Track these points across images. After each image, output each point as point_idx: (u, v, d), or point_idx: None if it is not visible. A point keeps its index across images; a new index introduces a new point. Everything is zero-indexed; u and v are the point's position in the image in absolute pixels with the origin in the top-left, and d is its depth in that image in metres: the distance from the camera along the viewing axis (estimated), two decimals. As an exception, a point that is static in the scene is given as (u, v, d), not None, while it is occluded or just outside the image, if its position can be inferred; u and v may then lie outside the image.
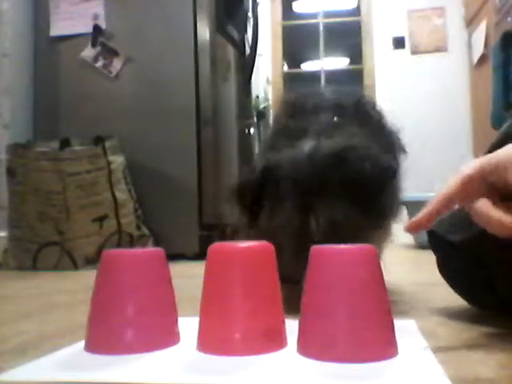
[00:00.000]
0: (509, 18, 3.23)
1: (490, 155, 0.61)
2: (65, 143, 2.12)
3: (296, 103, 1.03)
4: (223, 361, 0.58)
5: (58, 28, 2.47)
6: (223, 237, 2.10)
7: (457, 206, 0.65)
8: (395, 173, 0.85)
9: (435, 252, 0.85)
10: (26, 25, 2.48)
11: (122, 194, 2.14)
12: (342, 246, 0.59)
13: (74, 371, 0.57)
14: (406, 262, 1.85)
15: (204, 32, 2.40)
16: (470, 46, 4.25)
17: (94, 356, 0.61)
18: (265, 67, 4.67)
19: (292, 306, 0.65)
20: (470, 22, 4.21)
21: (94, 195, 2.06)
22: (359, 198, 0.78)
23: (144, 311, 0.63)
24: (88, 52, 2.43)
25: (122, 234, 2.10)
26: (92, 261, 1.97)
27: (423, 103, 4.31)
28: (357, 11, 4.98)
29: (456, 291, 0.86)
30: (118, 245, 2.05)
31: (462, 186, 0.61)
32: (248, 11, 2.91)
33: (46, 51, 2.49)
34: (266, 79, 4.72)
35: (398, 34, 4.61)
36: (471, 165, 0.62)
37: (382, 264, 0.61)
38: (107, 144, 2.12)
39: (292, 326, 0.62)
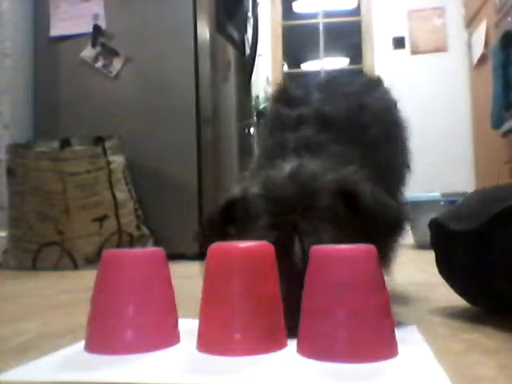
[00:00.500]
0: (509, 18, 3.23)
1: None
2: (65, 143, 2.12)
3: (280, 112, 0.93)
4: (223, 361, 0.58)
5: (58, 28, 2.47)
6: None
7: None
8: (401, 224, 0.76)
9: (434, 243, 0.85)
10: (26, 25, 2.49)
11: (121, 194, 2.13)
12: (342, 246, 0.59)
13: (73, 371, 0.57)
14: (406, 262, 1.85)
15: (204, 32, 2.40)
16: (469, 46, 4.24)
17: (94, 356, 0.61)
18: (265, 67, 4.67)
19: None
20: (470, 22, 4.21)
21: (93, 195, 2.06)
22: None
23: (144, 311, 0.63)
24: (88, 52, 2.43)
25: (122, 233, 2.10)
26: (92, 261, 1.97)
27: (423, 103, 4.31)
28: (357, 11, 4.97)
29: (456, 291, 0.86)
30: (118, 245, 2.05)
31: None
32: (248, 11, 2.91)
33: (46, 51, 2.50)
34: (266, 79, 4.71)
35: (398, 34, 4.60)
36: None
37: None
38: (107, 144, 2.12)
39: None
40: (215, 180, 2.37)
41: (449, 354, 0.60)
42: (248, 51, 2.88)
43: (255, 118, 3.40)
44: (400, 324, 0.61)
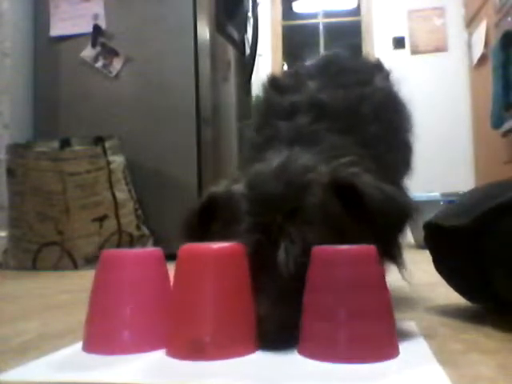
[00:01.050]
0: (509, 18, 3.23)
1: None
2: (65, 143, 2.12)
3: (272, 100, 0.86)
4: (216, 363, 0.58)
5: (58, 28, 2.47)
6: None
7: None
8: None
9: (429, 243, 0.85)
10: (26, 25, 2.48)
11: (121, 194, 2.13)
12: (343, 247, 0.59)
13: (72, 372, 0.57)
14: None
15: (204, 32, 2.40)
16: (469, 46, 4.24)
17: (92, 356, 0.61)
18: (265, 67, 4.68)
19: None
20: (470, 22, 4.21)
21: (93, 195, 2.06)
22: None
23: (142, 311, 0.63)
24: (88, 52, 2.43)
25: (121, 233, 2.10)
26: (92, 261, 1.97)
27: (423, 103, 4.31)
28: (357, 11, 4.97)
29: (455, 289, 0.86)
30: (118, 245, 2.05)
31: None
32: (248, 11, 2.91)
33: (46, 51, 2.50)
34: (266, 79, 4.73)
35: (398, 34, 4.60)
36: None
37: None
38: (107, 144, 2.12)
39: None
40: (215, 180, 2.36)
41: (449, 353, 0.60)
42: (248, 51, 2.88)
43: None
44: (400, 324, 0.61)
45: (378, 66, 0.96)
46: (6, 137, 2.32)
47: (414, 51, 4.59)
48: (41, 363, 0.60)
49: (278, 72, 0.94)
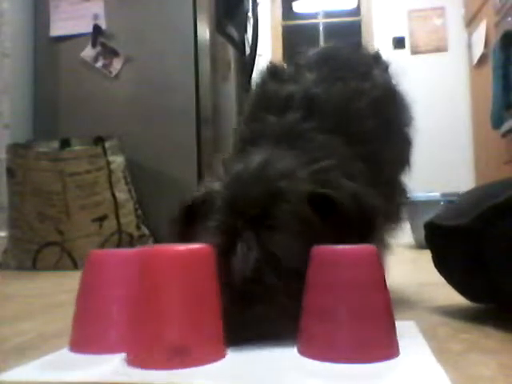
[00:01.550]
0: (509, 18, 3.23)
1: None
2: (65, 143, 2.12)
3: (268, 88, 0.83)
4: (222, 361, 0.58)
5: (58, 28, 2.47)
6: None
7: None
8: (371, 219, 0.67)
9: (430, 243, 0.85)
10: (26, 25, 2.48)
11: (122, 194, 2.13)
12: (344, 246, 0.59)
13: (59, 371, 0.57)
14: (406, 262, 1.85)
15: (204, 32, 2.40)
16: (469, 46, 4.24)
17: (83, 356, 0.61)
18: (265, 67, 4.68)
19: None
20: (470, 22, 4.21)
21: (93, 195, 2.06)
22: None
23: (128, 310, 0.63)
24: (88, 52, 2.43)
25: (121, 233, 2.10)
26: (92, 261, 1.97)
27: (423, 103, 4.31)
28: (357, 11, 4.97)
29: (456, 289, 0.86)
30: (118, 245, 2.05)
31: None
32: (248, 11, 2.91)
33: (46, 51, 2.49)
34: (266, 79, 4.73)
35: (398, 34, 4.61)
36: None
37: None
38: (107, 144, 2.12)
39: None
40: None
41: (449, 353, 0.60)
42: (248, 51, 2.88)
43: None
44: (400, 324, 0.61)
45: (376, 59, 0.94)
46: (6, 137, 2.32)
47: (414, 51, 4.59)
48: (40, 363, 0.60)
49: (278, 61, 0.92)
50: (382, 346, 0.57)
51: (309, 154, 0.69)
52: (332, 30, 5.24)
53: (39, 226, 2.03)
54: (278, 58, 4.92)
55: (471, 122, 4.36)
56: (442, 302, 0.95)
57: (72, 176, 2.03)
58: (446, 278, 0.86)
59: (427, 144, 4.26)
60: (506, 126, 3.27)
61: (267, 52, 4.77)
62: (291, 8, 5.45)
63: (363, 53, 0.99)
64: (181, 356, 0.54)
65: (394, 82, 0.91)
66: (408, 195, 0.94)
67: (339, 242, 0.60)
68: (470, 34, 4.24)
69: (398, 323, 0.60)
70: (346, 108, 0.77)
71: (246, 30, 2.91)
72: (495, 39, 3.44)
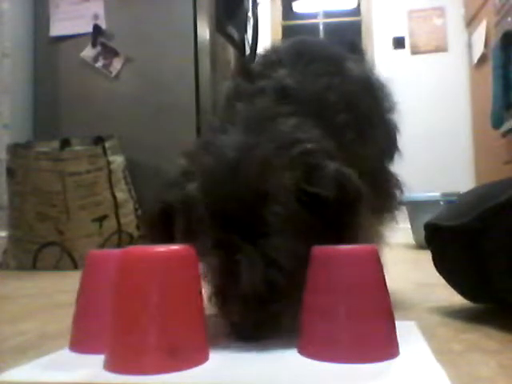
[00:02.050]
0: (509, 18, 3.23)
1: None
2: (65, 143, 2.12)
3: (239, 87, 0.80)
4: (213, 359, 0.57)
5: (58, 28, 2.47)
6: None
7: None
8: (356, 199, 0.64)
9: (430, 243, 0.85)
10: (26, 25, 2.48)
11: (122, 194, 2.13)
12: (345, 246, 0.59)
13: (59, 371, 0.57)
14: (406, 262, 1.85)
15: (204, 32, 2.40)
16: (469, 45, 4.24)
17: (83, 356, 0.61)
18: (265, 67, 4.68)
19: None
20: (470, 22, 4.21)
21: (93, 195, 2.06)
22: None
23: None
24: (88, 52, 2.43)
25: (121, 233, 2.10)
26: (92, 261, 1.97)
27: (423, 103, 4.31)
28: (357, 11, 4.97)
29: (456, 290, 0.86)
30: (118, 245, 2.05)
31: None
32: (248, 11, 2.90)
33: (46, 51, 2.49)
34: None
35: (398, 34, 4.61)
36: None
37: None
38: (107, 144, 2.12)
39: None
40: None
41: (449, 353, 0.60)
42: (248, 51, 2.88)
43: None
44: (400, 324, 0.61)
45: (351, 49, 0.91)
46: (5, 137, 2.32)
47: (414, 51, 4.59)
48: (40, 363, 0.60)
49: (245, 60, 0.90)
50: (383, 346, 0.57)
51: (284, 136, 0.65)
52: (332, 30, 5.24)
53: (39, 226, 2.04)
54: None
55: (471, 121, 4.36)
56: (442, 302, 0.95)
57: (72, 176, 2.03)
58: (445, 278, 0.86)
59: (427, 144, 4.26)
60: (506, 126, 3.27)
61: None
62: (291, 8, 5.45)
63: (335, 45, 0.94)
64: (177, 356, 0.54)
65: (369, 72, 0.89)
66: (401, 185, 0.92)
67: (330, 233, 0.61)
68: (470, 34, 4.25)
69: (397, 323, 0.60)
70: (318, 102, 0.74)
71: (246, 30, 2.91)
72: (495, 39, 3.44)
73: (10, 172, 2.10)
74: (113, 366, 0.54)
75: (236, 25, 2.78)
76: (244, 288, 0.60)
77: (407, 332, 0.68)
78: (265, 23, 4.55)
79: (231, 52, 2.73)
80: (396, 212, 0.92)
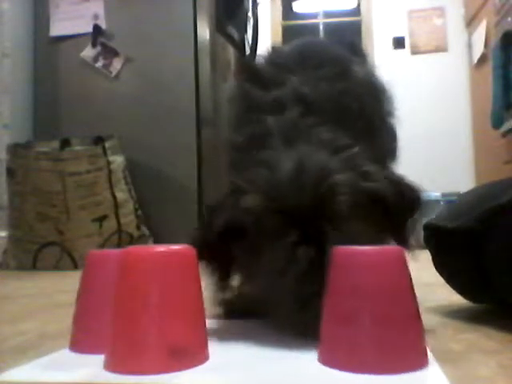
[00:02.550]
0: (509, 18, 3.23)
1: None
2: (65, 143, 2.12)
3: (252, 95, 0.77)
4: (215, 359, 0.57)
5: (58, 28, 2.47)
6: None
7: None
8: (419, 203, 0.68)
9: (429, 244, 0.84)
10: (26, 25, 2.49)
11: (122, 194, 2.13)
12: (368, 247, 0.54)
13: (59, 371, 0.57)
14: (405, 262, 1.85)
15: (204, 32, 2.40)
16: (470, 45, 4.24)
17: (84, 356, 0.61)
18: (265, 67, 4.68)
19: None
20: (470, 22, 4.21)
21: (93, 195, 2.06)
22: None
23: None
24: (88, 52, 2.43)
25: (121, 233, 2.10)
26: (92, 261, 1.97)
27: (423, 103, 4.31)
28: (357, 11, 4.97)
29: (456, 290, 0.86)
30: (118, 245, 2.05)
31: None
32: (248, 11, 2.91)
33: (46, 51, 2.50)
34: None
35: (398, 34, 4.60)
36: None
37: None
38: (107, 144, 2.12)
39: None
40: (215, 180, 2.37)
41: (449, 353, 0.60)
42: (248, 51, 2.88)
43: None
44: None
45: (354, 52, 0.91)
46: (5, 137, 2.32)
47: (414, 51, 4.59)
48: (40, 363, 0.60)
49: (250, 62, 0.87)
50: (410, 356, 0.52)
51: (326, 145, 0.66)
52: (332, 30, 5.23)
53: (39, 226, 2.04)
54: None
55: (471, 121, 4.35)
56: (442, 302, 0.95)
57: (72, 176, 2.03)
58: (445, 279, 0.86)
59: (427, 144, 4.26)
60: (506, 126, 3.27)
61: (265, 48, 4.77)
62: (291, 8, 5.44)
63: (339, 47, 0.93)
64: (177, 356, 0.53)
65: (373, 74, 0.89)
66: None
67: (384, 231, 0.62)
68: (470, 34, 4.24)
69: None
70: (336, 109, 0.74)
71: (246, 30, 2.91)
72: (495, 39, 3.44)
73: (10, 172, 2.10)
74: (113, 365, 0.54)
75: (236, 25, 2.78)
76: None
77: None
78: (265, 23, 4.55)
79: (231, 52, 2.73)
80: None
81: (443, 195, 2.69)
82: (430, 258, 0.86)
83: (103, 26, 2.42)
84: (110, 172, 2.10)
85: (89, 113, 2.42)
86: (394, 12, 4.65)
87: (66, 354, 0.63)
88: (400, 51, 4.59)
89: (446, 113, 4.41)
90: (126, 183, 2.18)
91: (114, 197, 2.10)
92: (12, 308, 1.11)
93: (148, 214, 2.27)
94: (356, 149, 0.66)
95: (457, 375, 0.51)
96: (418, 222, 0.70)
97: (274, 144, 0.67)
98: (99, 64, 2.43)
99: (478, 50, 3.94)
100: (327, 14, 5.32)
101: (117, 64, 2.41)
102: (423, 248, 0.84)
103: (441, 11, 4.57)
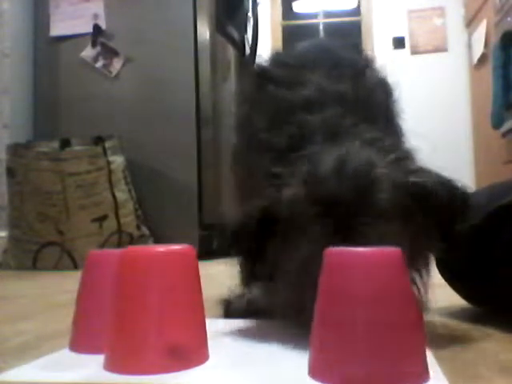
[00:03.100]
0: (509, 18, 3.23)
1: None
2: (65, 143, 2.12)
3: (279, 94, 0.75)
4: (214, 360, 0.57)
5: (58, 28, 2.47)
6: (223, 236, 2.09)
7: None
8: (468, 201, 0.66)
9: None
10: (26, 25, 2.48)
11: (122, 194, 2.13)
12: (364, 249, 0.50)
13: (59, 371, 0.57)
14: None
15: (204, 32, 2.40)
16: (470, 46, 4.24)
17: (83, 356, 0.61)
18: (265, 67, 4.68)
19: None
20: (470, 22, 4.21)
21: (93, 195, 2.06)
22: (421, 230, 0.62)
23: None
24: (88, 52, 2.43)
25: (121, 233, 2.10)
26: (92, 261, 1.97)
27: (423, 103, 4.31)
28: (357, 11, 4.97)
29: (453, 288, 0.85)
30: (118, 245, 2.05)
31: None
32: (248, 11, 2.91)
33: (46, 51, 2.50)
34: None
35: (398, 34, 4.61)
36: None
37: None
38: (107, 144, 2.12)
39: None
40: (215, 180, 2.37)
41: (449, 353, 0.60)
42: (248, 51, 2.88)
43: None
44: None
45: (362, 53, 0.92)
46: (5, 137, 2.32)
47: (414, 51, 4.59)
48: (40, 363, 0.60)
49: (263, 64, 0.84)
50: (410, 370, 0.48)
51: (371, 144, 0.64)
52: (332, 30, 5.23)
53: (39, 226, 2.04)
54: (278, 57, 4.92)
55: (471, 121, 4.35)
56: (442, 302, 0.95)
57: (72, 176, 2.03)
58: (447, 281, 0.86)
59: (427, 144, 4.26)
60: (506, 126, 3.27)
61: (267, 52, 4.77)
62: (291, 8, 5.44)
63: (349, 49, 0.93)
64: (176, 356, 0.53)
65: (383, 75, 0.87)
66: None
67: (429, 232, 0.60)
68: (470, 34, 4.24)
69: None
70: (370, 104, 0.74)
71: (246, 30, 2.91)
72: (495, 39, 3.44)
73: (10, 172, 2.10)
74: (113, 365, 0.54)
75: (236, 25, 2.78)
76: None
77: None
78: (265, 23, 4.55)
79: (231, 52, 2.73)
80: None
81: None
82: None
83: (103, 26, 2.42)
84: (110, 172, 2.10)
85: (89, 113, 2.42)
86: (394, 12, 4.65)
87: (65, 354, 0.63)
88: (400, 51, 4.59)
89: (446, 113, 4.41)
90: (126, 183, 2.18)
91: (114, 197, 2.10)
92: (12, 308, 1.11)
93: (148, 214, 2.27)
94: (402, 149, 0.66)
95: (456, 375, 0.51)
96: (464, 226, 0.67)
97: (318, 142, 0.66)
98: (99, 64, 2.43)
99: (478, 50, 3.94)
100: (327, 14, 5.32)
101: (117, 64, 2.41)
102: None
103: (441, 11, 4.57)
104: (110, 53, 2.42)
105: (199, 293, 0.58)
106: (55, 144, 2.13)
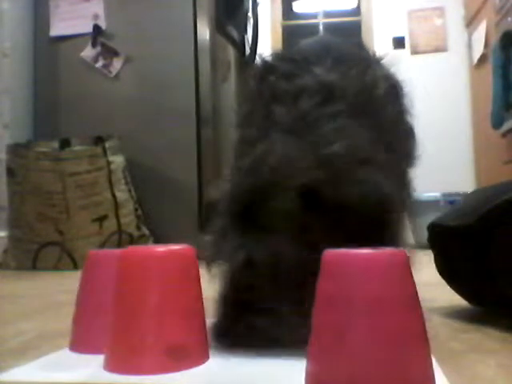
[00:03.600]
0: (509, 18, 3.23)
1: None
2: (65, 143, 2.12)
3: (276, 86, 0.72)
4: (214, 361, 0.57)
5: (58, 28, 2.47)
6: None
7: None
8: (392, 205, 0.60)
9: (433, 244, 0.84)
10: (26, 25, 2.48)
11: (122, 194, 2.13)
12: (365, 251, 0.46)
13: (59, 371, 0.57)
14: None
15: (204, 32, 2.40)
16: (470, 46, 4.24)
17: (83, 356, 0.61)
18: (265, 67, 4.67)
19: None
20: (470, 22, 4.21)
21: (94, 195, 2.06)
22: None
23: None
24: (88, 52, 2.43)
25: (121, 233, 2.10)
26: (92, 261, 1.97)
27: (423, 103, 4.31)
28: (357, 11, 4.97)
29: (459, 293, 0.85)
30: (118, 245, 2.05)
31: None
32: (248, 11, 2.91)
33: (46, 51, 2.50)
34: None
35: (398, 34, 4.60)
36: None
37: None
38: (107, 144, 2.12)
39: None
40: (215, 180, 2.37)
41: (449, 353, 0.60)
42: (248, 51, 2.88)
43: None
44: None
45: (369, 51, 0.89)
46: (6, 137, 2.32)
47: (414, 51, 4.58)
48: (40, 363, 0.60)
49: (269, 58, 0.82)
50: (414, 380, 0.45)
51: (321, 138, 0.61)
52: (332, 30, 5.23)
53: (39, 226, 2.03)
54: (278, 57, 4.92)
55: (471, 121, 4.35)
56: (442, 302, 0.95)
57: (72, 176, 2.03)
58: (446, 280, 0.86)
59: (427, 144, 4.26)
60: (506, 126, 3.27)
61: (267, 52, 4.77)
62: (291, 8, 5.44)
63: (354, 45, 0.92)
64: (176, 356, 0.53)
65: (390, 70, 0.85)
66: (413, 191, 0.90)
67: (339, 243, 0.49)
68: (470, 34, 4.24)
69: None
70: (367, 95, 0.70)
71: (246, 30, 2.91)
72: (495, 39, 3.44)
73: (10, 172, 2.10)
74: (113, 366, 0.54)
75: (236, 25, 2.78)
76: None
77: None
78: (265, 23, 4.54)
79: (231, 52, 2.73)
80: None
81: (443, 195, 2.69)
82: (430, 258, 0.86)
83: (103, 26, 2.42)
84: (109, 172, 2.10)
85: (89, 113, 2.42)
86: (394, 12, 4.65)
87: (66, 354, 0.63)
88: (400, 51, 4.58)
89: (445, 113, 4.41)
90: (126, 183, 2.18)
91: (114, 197, 2.10)
92: (12, 308, 1.11)
93: (148, 214, 2.27)
94: (345, 145, 0.61)
95: (456, 375, 0.51)
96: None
97: (272, 135, 0.64)
98: (99, 64, 2.43)
99: (478, 50, 3.94)
100: (327, 14, 5.32)
101: (117, 64, 2.41)
102: (424, 248, 0.84)
103: (441, 11, 4.57)
104: (109, 53, 2.42)
105: (199, 293, 0.58)
106: (55, 144, 2.13)
